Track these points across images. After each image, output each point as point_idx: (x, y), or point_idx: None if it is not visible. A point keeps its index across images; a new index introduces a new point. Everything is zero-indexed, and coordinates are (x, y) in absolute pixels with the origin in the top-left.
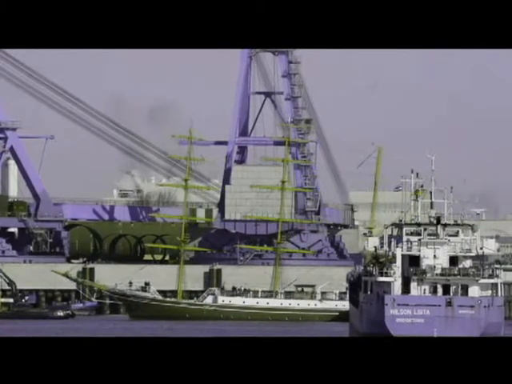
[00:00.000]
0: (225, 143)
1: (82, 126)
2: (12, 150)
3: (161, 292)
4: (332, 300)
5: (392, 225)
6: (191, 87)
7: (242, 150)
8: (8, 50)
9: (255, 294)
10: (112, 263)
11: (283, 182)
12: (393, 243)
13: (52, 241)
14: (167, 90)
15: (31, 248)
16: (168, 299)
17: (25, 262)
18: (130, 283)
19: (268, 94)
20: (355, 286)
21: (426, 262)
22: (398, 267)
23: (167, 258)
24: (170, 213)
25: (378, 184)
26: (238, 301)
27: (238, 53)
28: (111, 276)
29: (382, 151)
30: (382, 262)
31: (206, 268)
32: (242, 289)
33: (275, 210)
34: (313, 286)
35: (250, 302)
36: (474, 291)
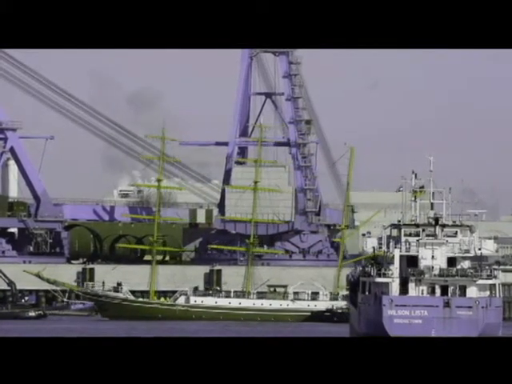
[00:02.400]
0: (225, 144)
1: (81, 126)
2: (12, 150)
3: (161, 292)
4: (304, 300)
5: (390, 225)
6: (191, 88)
7: (243, 151)
8: (8, 50)
9: (227, 294)
10: (112, 264)
11: (256, 183)
12: (391, 244)
13: (52, 241)
14: (167, 90)
15: (31, 248)
16: (140, 299)
17: (25, 262)
18: (103, 283)
19: (268, 95)
20: (355, 287)
21: (424, 263)
22: (396, 268)
23: (167, 258)
24: (170, 214)
25: (350, 184)
26: (210, 301)
27: (239, 53)
28: (111, 276)
29: (355, 152)
30: (379, 262)
31: (206, 269)
32: (214, 289)
33: (275, 211)
34: (285, 287)
35: (222, 302)
36: (472, 292)
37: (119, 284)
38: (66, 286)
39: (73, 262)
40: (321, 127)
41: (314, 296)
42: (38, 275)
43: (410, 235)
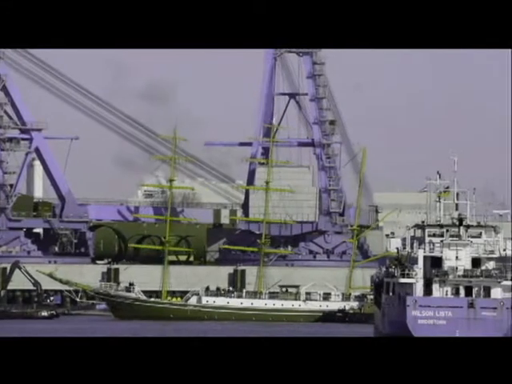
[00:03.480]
0: (249, 144)
1: (106, 127)
2: (37, 150)
3: (182, 292)
4: (316, 301)
5: (414, 226)
6: (215, 88)
7: (266, 151)
8: (32, 51)
9: (239, 295)
10: (136, 264)
11: (267, 183)
12: (415, 244)
13: (77, 241)
14: (190, 90)
15: (56, 249)
16: (152, 299)
17: (50, 262)
18: (118, 283)
19: (292, 95)
20: (379, 288)
21: (448, 264)
22: (420, 269)
23: (191, 258)
24: (194, 214)
25: (362, 183)
26: (222, 301)
27: (263, 53)
28: (136, 277)
29: (366, 152)
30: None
31: (230, 269)
32: (227, 289)
33: (299, 212)
34: (297, 287)
35: (234, 302)
36: (496, 293)
37: (131, 284)
38: (78, 286)
39: (97, 262)
40: (344, 128)
41: (326, 296)
42: (51, 275)
43: (434, 236)
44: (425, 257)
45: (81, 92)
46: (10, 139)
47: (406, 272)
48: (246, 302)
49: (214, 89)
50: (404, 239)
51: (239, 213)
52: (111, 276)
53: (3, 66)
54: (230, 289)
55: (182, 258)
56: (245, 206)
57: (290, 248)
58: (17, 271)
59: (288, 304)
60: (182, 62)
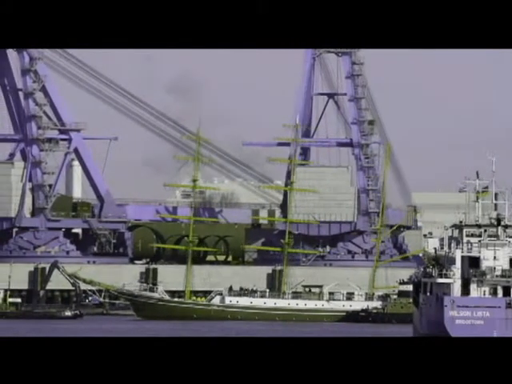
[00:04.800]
0: (288, 144)
1: (145, 128)
2: (76, 151)
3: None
4: (339, 300)
5: (452, 226)
6: (254, 88)
7: (305, 152)
8: (71, 51)
9: (262, 295)
10: (175, 264)
11: (292, 183)
12: (453, 245)
13: (115, 241)
14: (229, 90)
15: (95, 249)
16: (176, 299)
17: (89, 262)
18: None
19: (331, 95)
20: (417, 288)
21: (485, 264)
22: (457, 269)
23: (230, 258)
24: (232, 214)
25: (385, 181)
26: (245, 301)
27: (302, 53)
28: (174, 277)
29: (390, 149)
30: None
31: (268, 269)
32: (250, 289)
33: (338, 211)
34: (320, 287)
35: (257, 302)
36: None
37: (154, 284)
38: (101, 286)
39: (136, 262)
40: (383, 128)
41: (350, 296)
42: (74, 275)
43: (472, 236)
44: (462, 257)
45: (119, 92)
46: (49, 140)
47: (444, 272)
48: (270, 302)
49: (252, 89)
50: (442, 239)
51: (277, 213)
52: (149, 276)
53: (42, 66)
54: (254, 289)
55: (221, 258)
56: (283, 207)
57: (328, 248)
58: (56, 271)
59: (311, 304)
60: (222, 62)
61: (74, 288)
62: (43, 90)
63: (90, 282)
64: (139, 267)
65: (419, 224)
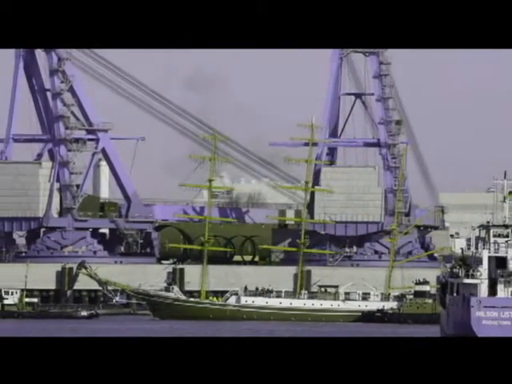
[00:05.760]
0: (315, 144)
1: (172, 127)
2: (104, 151)
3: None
4: (355, 300)
5: (479, 226)
6: (281, 88)
7: (332, 152)
8: (98, 51)
9: (278, 295)
10: (202, 264)
11: (306, 183)
12: (480, 245)
13: (143, 242)
14: (259, 91)
15: (122, 249)
16: (191, 299)
17: (116, 262)
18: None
19: (358, 95)
20: (444, 288)
21: None
22: (484, 269)
23: (257, 258)
24: (259, 214)
25: (401, 180)
26: (260, 301)
27: (329, 53)
28: (200, 277)
29: (406, 150)
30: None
31: (295, 269)
32: (266, 289)
33: (364, 212)
34: (336, 287)
35: (272, 302)
36: None
37: (170, 284)
38: (117, 286)
39: (163, 262)
40: (411, 128)
41: (365, 296)
42: (90, 275)
43: (499, 236)
44: (489, 257)
45: (146, 91)
46: (77, 140)
47: (471, 272)
48: (285, 302)
49: (279, 88)
50: (469, 239)
51: (304, 213)
52: (176, 276)
53: (70, 66)
54: (269, 288)
55: (247, 258)
56: (310, 207)
57: (355, 248)
58: (83, 271)
59: (327, 304)
60: (249, 62)
61: (101, 288)
62: (71, 90)
63: (106, 282)
64: (166, 267)
65: (446, 224)
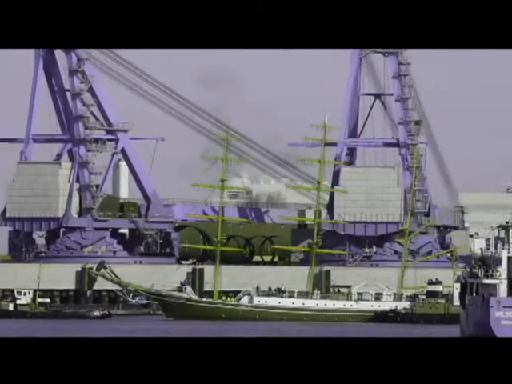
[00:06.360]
0: (334, 144)
1: (190, 127)
2: (123, 151)
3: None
4: (368, 301)
5: (499, 227)
6: (300, 88)
7: (352, 152)
8: (117, 51)
9: (291, 295)
10: (222, 264)
11: (319, 183)
12: (499, 245)
13: (162, 242)
14: (277, 91)
15: (142, 249)
16: (204, 299)
17: (135, 262)
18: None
19: (378, 95)
20: (464, 288)
21: None
22: (503, 269)
23: (276, 259)
24: (279, 214)
25: (414, 181)
26: (273, 301)
27: (348, 53)
28: (222, 277)
29: (418, 151)
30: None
31: (315, 269)
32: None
33: (384, 212)
34: (349, 287)
35: (285, 302)
36: None
37: (183, 284)
38: (130, 286)
39: (182, 262)
40: (430, 128)
41: (378, 296)
42: (103, 275)
43: None
44: (509, 257)
45: (165, 92)
46: (97, 140)
47: (490, 273)
48: (298, 302)
49: (298, 88)
50: (488, 240)
51: (324, 213)
52: (196, 276)
53: (90, 66)
54: (282, 288)
55: (267, 258)
56: (329, 207)
57: (374, 248)
58: (102, 271)
59: (339, 304)
60: (264, 62)
61: (121, 289)
62: (90, 90)
63: (119, 282)
64: (186, 267)
65: (466, 224)
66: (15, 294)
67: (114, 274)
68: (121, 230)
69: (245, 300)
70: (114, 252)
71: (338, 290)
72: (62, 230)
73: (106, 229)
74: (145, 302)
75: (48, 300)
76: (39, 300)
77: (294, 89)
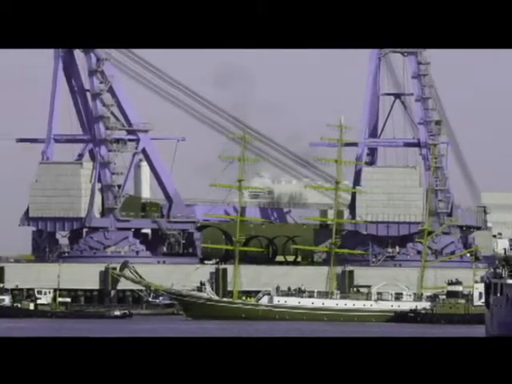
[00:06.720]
0: (355, 145)
1: (211, 127)
2: (144, 151)
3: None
4: (388, 300)
5: None
6: (319, 88)
7: (372, 152)
8: (136, 51)
9: (310, 295)
10: (244, 264)
11: (337, 183)
12: None
13: (185, 242)
14: (298, 92)
15: (164, 249)
16: (224, 299)
17: (158, 262)
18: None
19: (397, 95)
20: (489, 288)
21: None
22: None
23: (299, 259)
24: (301, 214)
25: (431, 180)
26: (293, 301)
27: (367, 54)
28: (246, 277)
29: (436, 150)
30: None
31: (338, 269)
32: (298, 289)
33: (406, 212)
34: (369, 287)
35: (305, 302)
36: None
37: (202, 284)
38: (151, 286)
39: (205, 262)
40: (451, 128)
41: (398, 296)
42: (123, 276)
43: None
44: None
45: (183, 91)
46: (117, 140)
47: None
48: (318, 302)
49: (316, 88)
50: (511, 240)
51: (346, 214)
52: (219, 276)
53: (110, 67)
54: (302, 288)
55: (290, 258)
56: (351, 207)
57: (397, 249)
58: (123, 272)
59: (359, 304)
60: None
61: (144, 288)
62: (110, 90)
63: (139, 282)
64: (209, 267)
65: (489, 224)
66: (36, 293)
67: (138, 273)
68: (143, 230)
69: (264, 300)
70: (137, 252)
71: (358, 290)
72: (84, 230)
73: (129, 229)
74: (168, 301)
75: (68, 300)
76: (60, 299)
77: (311, 88)
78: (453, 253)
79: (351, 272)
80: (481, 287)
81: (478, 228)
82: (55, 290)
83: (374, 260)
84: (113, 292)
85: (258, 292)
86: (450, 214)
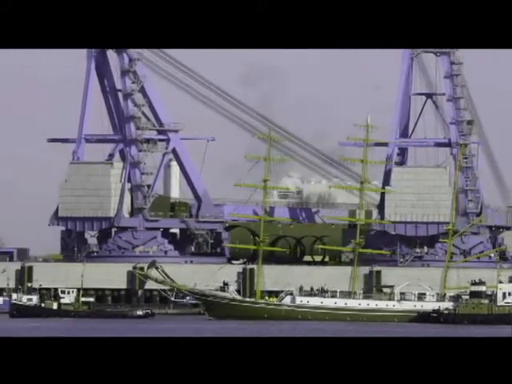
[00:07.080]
0: (385, 144)
1: (240, 127)
2: (174, 151)
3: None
4: (410, 301)
5: None
6: (351, 87)
7: (403, 152)
8: (168, 51)
9: (333, 295)
10: (272, 264)
11: (361, 183)
12: None
13: (213, 241)
14: (329, 91)
15: (193, 249)
16: (247, 299)
17: (186, 262)
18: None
19: (429, 95)
20: None
21: None
22: None
23: (327, 259)
24: (330, 214)
25: (457, 182)
26: (315, 301)
27: (400, 53)
28: (270, 277)
29: (465, 150)
30: None
31: (365, 270)
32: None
33: (435, 212)
34: (391, 287)
35: (327, 302)
36: None
37: (226, 284)
38: (175, 286)
39: (233, 262)
40: (482, 128)
41: (421, 296)
42: (146, 276)
43: None
44: None
45: (215, 91)
46: (148, 140)
47: None
48: (340, 302)
49: (350, 88)
50: None
51: (374, 214)
52: (246, 276)
53: (141, 66)
54: (325, 288)
55: (317, 258)
56: (380, 207)
57: (425, 249)
58: (154, 271)
59: (382, 304)
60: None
61: (172, 288)
62: (142, 90)
63: (162, 282)
64: (236, 267)
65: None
66: (59, 292)
67: (166, 273)
68: (172, 230)
69: (287, 300)
70: (166, 252)
71: (381, 290)
72: (113, 229)
73: (157, 229)
74: (195, 301)
75: (92, 299)
76: (83, 299)
77: (341, 87)
78: (481, 253)
79: (378, 272)
80: (505, 287)
81: (508, 228)
82: (78, 290)
83: (401, 260)
84: (140, 292)
85: (282, 292)
86: (479, 214)
